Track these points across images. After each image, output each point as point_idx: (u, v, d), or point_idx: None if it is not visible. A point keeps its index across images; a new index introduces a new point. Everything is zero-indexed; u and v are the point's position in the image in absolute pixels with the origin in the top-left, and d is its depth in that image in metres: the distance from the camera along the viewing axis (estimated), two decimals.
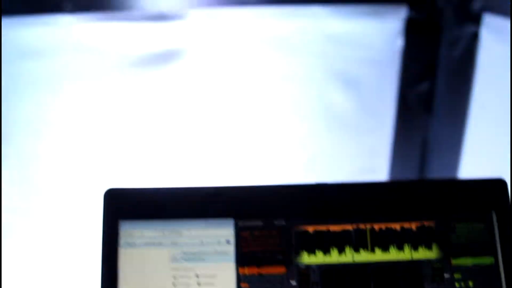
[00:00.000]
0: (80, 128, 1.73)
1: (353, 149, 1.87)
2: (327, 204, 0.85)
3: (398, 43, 1.78)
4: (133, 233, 0.79)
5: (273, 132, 1.80)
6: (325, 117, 1.81)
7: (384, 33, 1.76)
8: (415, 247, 0.84)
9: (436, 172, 1.87)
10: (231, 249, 0.81)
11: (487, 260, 0.84)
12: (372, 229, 0.85)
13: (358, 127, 1.84)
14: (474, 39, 1.79)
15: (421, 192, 0.88)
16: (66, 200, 1.77)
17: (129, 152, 1.77)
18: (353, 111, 1.82)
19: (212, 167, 1.77)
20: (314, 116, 1.81)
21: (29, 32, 1.67)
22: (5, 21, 1.65)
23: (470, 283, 0.83)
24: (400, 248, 0.84)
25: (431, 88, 1.84)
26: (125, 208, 0.80)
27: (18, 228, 1.76)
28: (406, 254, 0.84)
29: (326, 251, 0.83)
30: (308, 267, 0.82)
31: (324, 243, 0.83)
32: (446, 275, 0.83)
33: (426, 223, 0.86)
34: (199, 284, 0.79)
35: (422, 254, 0.84)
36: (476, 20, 1.77)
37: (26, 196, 1.76)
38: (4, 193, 1.77)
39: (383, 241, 0.84)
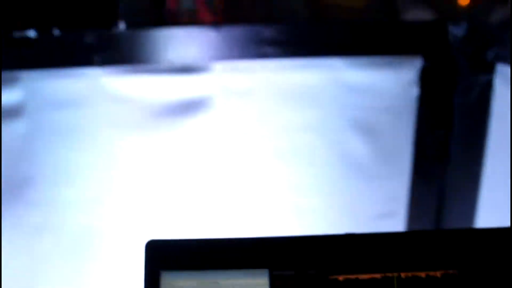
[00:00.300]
0: (109, 177, 1.79)
1: (371, 195, 1.91)
2: (356, 254, 0.89)
3: (414, 91, 1.85)
4: (173, 283, 0.84)
5: (293, 180, 1.85)
6: (343, 164, 1.86)
7: (400, 82, 1.83)
8: None
9: (453, 218, 1.90)
10: None
11: None
12: (399, 277, 0.89)
13: (375, 173, 1.89)
14: (488, 87, 1.85)
15: (445, 241, 0.92)
16: (97, 250, 1.82)
17: (153, 200, 1.82)
18: (371, 158, 1.87)
19: (235, 216, 1.81)
20: (333, 163, 1.86)
21: (60, 84, 1.75)
22: (37, 73, 1.74)
23: None
24: None
25: (447, 135, 1.89)
26: (166, 259, 0.84)
27: (49, 277, 1.81)
28: None
29: None
30: None
31: None
32: None
33: (450, 271, 0.90)
34: None
35: None
36: (489, 69, 1.83)
37: (55, 243, 1.81)
38: (32, 240, 1.82)
39: None
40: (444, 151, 1.89)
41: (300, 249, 0.88)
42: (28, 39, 1.70)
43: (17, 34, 1.70)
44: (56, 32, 1.70)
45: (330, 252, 0.89)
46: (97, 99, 1.75)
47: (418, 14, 1.90)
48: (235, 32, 1.71)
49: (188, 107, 1.75)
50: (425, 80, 1.84)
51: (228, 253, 0.86)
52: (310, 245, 0.89)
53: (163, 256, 0.85)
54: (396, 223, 1.92)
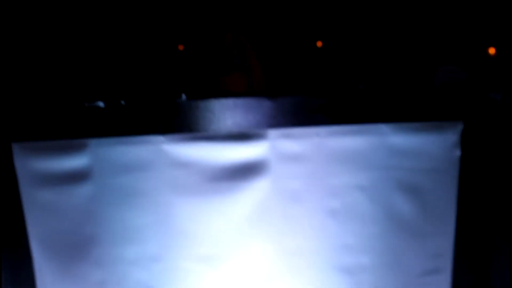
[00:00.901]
0: (168, 237, 1.90)
1: (418, 252, 1.98)
2: None
3: (456, 153, 1.94)
4: None
5: (343, 238, 1.94)
6: (391, 222, 1.95)
7: (443, 145, 1.93)
8: None
9: (499, 275, 1.96)
10: None
11: None
12: None
13: (422, 231, 1.97)
14: None
15: None
16: None
17: (210, 260, 1.92)
18: (417, 217, 1.95)
19: (288, 273, 1.91)
20: (381, 222, 1.94)
21: (125, 150, 1.88)
22: (104, 140, 1.88)
23: None
24: None
25: (490, 194, 1.97)
26: None
27: None
28: None
29: None
30: None
31: None
32: None
33: None
34: None
35: None
36: None
37: None
38: None
39: None
40: (487, 210, 1.97)
41: None
42: (97, 109, 1.86)
43: (87, 104, 1.86)
44: (123, 102, 1.85)
45: None
46: (159, 164, 1.88)
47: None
48: (288, 101, 1.84)
49: (244, 171, 1.87)
50: (467, 143, 1.94)
51: None
52: None
53: None
54: (443, 279, 1.99)
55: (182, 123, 1.86)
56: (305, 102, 1.84)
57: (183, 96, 1.86)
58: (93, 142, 1.87)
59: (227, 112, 1.84)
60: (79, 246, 1.92)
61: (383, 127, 1.88)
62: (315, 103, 1.83)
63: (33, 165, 1.88)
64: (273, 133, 1.85)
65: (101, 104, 1.84)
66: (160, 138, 1.86)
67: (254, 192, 1.87)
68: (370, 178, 1.90)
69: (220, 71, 2.40)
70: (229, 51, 2.57)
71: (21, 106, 1.86)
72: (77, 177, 1.88)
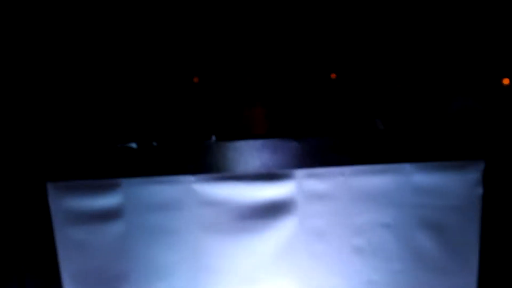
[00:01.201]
0: (197, 274, 1.95)
1: None
2: None
3: (478, 191, 1.99)
4: None
5: (369, 274, 1.98)
6: (415, 259, 1.99)
7: (465, 183, 1.98)
8: None
9: None
10: None
11: None
12: None
13: (445, 268, 2.00)
14: None
15: None
16: None
17: None
18: (440, 254, 1.99)
19: None
20: (405, 258, 1.99)
21: (156, 189, 1.95)
22: (137, 180, 1.95)
23: None
24: None
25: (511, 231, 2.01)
26: None
27: None
28: None
29: None
30: None
31: None
32: None
33: None
34: None
35: None
36: None
37: None
38: None
39: None
40: (510, 247, 2.00)
41: None
42: (130, 149, 1.93)
43: (120, 145, 1.93)
44: (155, 143, 1.92)
45: None
46: (188, 203, 1.94)
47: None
48: (314, 142, 1.90)
49: (272, 210, 1.93)
50: (488, 181, 1.98)
51: None
52: None
53: None
54: None
55: (212, 164, 1.92)
56: (330, 143, 1.90)
57: (213, 138, 1.93)
58: (125, 182, 1.94)
59: (255, 152, 1.90)
60: (111, 283, 1.98)
61: (406, 167, 1.93)
62: (340, 144, 1.89)
63: (66, 204, 1.95)
64: (299, 173, 1.91)
65: (133, 145, 1.91)
66: (190, 178, 1.93)
67: (281, 230, 1.92)
68: (394, 216, 1.94)
69: (241, 104, 2.47)
70: (247, 82, 2.64)
71: (56, 146, 1.94)
72: (109, 215, 1.94)
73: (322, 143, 1.90)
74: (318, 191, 1.92)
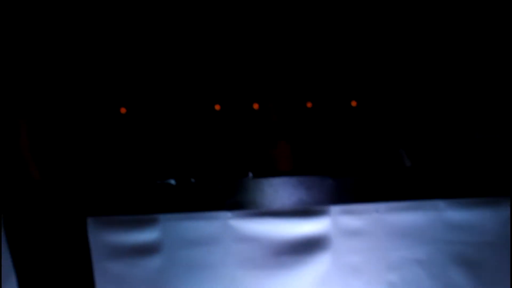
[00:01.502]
0: None
1: None
2: None
3: (508, 227, 2.02)
4: None
5: None
6: None
7: (496, 219, 2.01)
8: None
9: None
10: None
11: None
12: None
13: None
14: None
15: None
16: None
17: None
18: None
19: None
20: None
21: (194, 224, 2.00)
22: (174, 215, 2.00)
23: None
24: None
25: None
26: None
27: None
28: None
29: None
30: None
31: None
32: None
33: None
34: None
35: None
36: None
37: None
38: None
39: None
40: None
41: None
42: (169, 186, 1.99)
43: (159, 182, 1.99)
44: (193, 180, 1.98)
45: None
46: (225, 239, 1.99)
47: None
48: (350, 180, 1.95)
49: (307, 246, 1.97)
50: None
51: None
52: None
53: None
54: None
55: (248, 200, 1.97)
56: (365, 181, 1.94)
57: (250, 174, 1.98)
58: (163, 217, 1.99)
59: (290, 189, 1.95)
60: None
61: (439, 203, 1.97)
62: (373, 181, 1.94)
63: (106, 238, 2.00)
64: (334, 209, 1.95)
65: (172, 181, 1.97)
66: (227, 214, 1.98)
67: (316, 265, 1.96)
68: (427, 252, 1.98)
69: (267, 143, 2.52)
70: (271, 121, 2.70)
71: (96, 182, 2.00)
72: (148, 250, 2.00)
73: (357, 181, 1.95)
74: (352, 227, 1.96)
